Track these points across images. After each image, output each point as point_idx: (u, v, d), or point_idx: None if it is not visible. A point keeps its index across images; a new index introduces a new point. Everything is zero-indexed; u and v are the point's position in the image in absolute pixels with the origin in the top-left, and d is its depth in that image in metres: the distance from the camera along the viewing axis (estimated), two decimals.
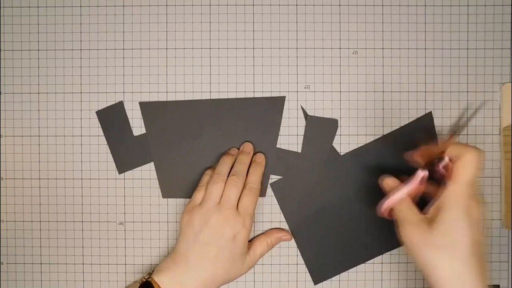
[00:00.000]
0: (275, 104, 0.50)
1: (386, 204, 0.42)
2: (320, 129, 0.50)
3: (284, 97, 0.50)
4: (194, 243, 0.44)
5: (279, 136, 0.50)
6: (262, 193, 0.50)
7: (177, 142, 0.50)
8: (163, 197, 0.50)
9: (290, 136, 0.50)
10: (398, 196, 0.42)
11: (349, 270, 0.50)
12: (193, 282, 0.44)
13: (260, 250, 0.48)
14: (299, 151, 0.50)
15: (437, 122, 0.50)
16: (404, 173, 0.44)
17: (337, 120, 0.50)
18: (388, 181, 0.43)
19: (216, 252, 0.44)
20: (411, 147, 0.44)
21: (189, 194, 0.50)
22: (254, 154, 0.49)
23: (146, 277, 0.44)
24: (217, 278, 0.44)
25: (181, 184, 0.50)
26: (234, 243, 0.44)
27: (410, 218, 0.40)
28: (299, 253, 0.50)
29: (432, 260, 0.38)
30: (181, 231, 0.45)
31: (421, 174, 0.41)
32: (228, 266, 0.44)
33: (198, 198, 0.46)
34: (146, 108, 0.50)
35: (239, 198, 0.46)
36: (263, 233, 0.49)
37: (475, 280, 0.37)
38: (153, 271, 0.45)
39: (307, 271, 0.50)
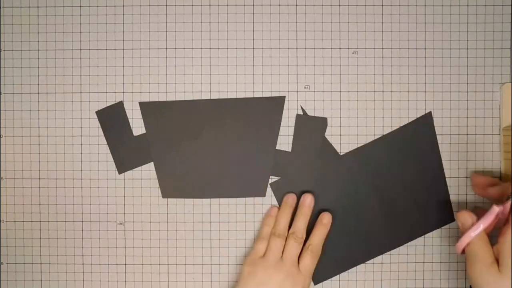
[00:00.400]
0: (275, 104, 0.50)
1: (464, 241, 0.42)
2: (310, 127, 0.50)
3: (284, 97, 0.50)
4: None
5: (278, 136, 0.50)
6: (262, 193, 0.50)
7: (177, 142, 0.50)
8: (163, 197, 0.50)
9: (290, 136, 0.50)
10: (476, 232, 0.42)
11: (349, 270, 0.50)
12: None
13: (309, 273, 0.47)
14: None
15: (437, 122, 0.50)
16: (405, 175, 0.44)
17: (326, 118, 0.50)
18: (465, 215, 0.43)
19: None
20: (411, 148, 0.44)
21: (189, 194, 0.50)
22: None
23: None
24: None
25: (181, 184, 0.50)
26: None
27: (484, 258, 0.40)
28: None
29: None
30: (241, 282, 0.46)
31: (497, 209, 0.42)
32: None
33: (260, 250, 0.47)
34: (146, 108, 0.50)
35: (300, 257, 0.46)
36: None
37: None
38: None
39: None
